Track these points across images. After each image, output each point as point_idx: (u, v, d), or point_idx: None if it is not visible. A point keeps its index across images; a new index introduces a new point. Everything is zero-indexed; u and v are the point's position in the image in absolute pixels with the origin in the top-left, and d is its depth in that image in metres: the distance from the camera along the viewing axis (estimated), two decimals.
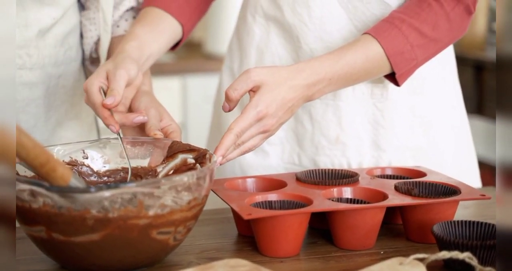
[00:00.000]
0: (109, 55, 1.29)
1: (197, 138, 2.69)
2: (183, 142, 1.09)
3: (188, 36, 1.31)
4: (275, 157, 1.34)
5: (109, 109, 1.05)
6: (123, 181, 1.07)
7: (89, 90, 1.06)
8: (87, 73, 1.37)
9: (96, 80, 1.07)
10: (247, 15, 1.33)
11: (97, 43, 1.30)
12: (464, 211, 1.17)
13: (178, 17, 1.26)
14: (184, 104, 2.70)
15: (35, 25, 1.19)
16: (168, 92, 2.65)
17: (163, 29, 1.24)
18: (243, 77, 1.07)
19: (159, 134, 1.08)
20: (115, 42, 1.28)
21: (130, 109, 1.15)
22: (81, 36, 1.31)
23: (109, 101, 1.04)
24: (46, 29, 1.21)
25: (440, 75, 1.32)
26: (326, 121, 1.30)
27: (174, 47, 1.31)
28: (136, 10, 1.32)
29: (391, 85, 1.27)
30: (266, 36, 1.31)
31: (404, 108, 1.29)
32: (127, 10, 1.31)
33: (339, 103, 1.28)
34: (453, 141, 1.34)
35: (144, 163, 1.09)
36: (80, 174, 1.06)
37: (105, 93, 1.06)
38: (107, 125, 1.05)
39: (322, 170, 1.16)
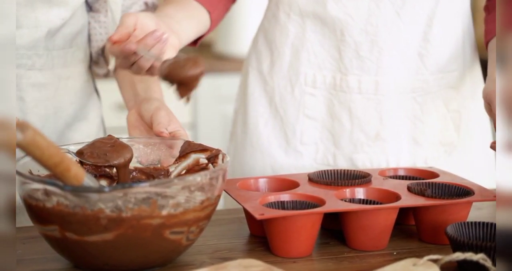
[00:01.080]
0: None
1: (207, 138, 2.69)
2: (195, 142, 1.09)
3: (215, 26, 1.31)
4: (308, 158, 1.34)
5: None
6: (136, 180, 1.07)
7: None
8: (93, 75, 1.37)
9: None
10: (279, 14, 1.33)
11: (105, 46, 1.30)
12: (477, 212, 1.17)
13: (204, 4, 1.26)
14: (194, 105, 2.70)
15: (45, 26, 1.19)
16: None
17: (191, 11, 1.24)
18: None
19: (166, 133, 1.08)
20: None
21: (141, 115, 1.15)
22: (89, 37, 1.31)
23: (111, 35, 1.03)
24: (55, 29, 1.21)
25: (468, 71, 1.34)
26: (366, 117, 1.30)
27: (199, 39, 1.30)
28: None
29: (431, 78, 1.28)
30: (301, 33, 1.31)
31: (440, 102, 1.31)
32: None
33: (381, 98, 1.29)
34: (479, 137, 1.36)
35: (156, 163, 1.09)
36: (93, 173, 1.06)
37: None
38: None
39: (334, 170, 1.15)
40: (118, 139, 1.05)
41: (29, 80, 1.21)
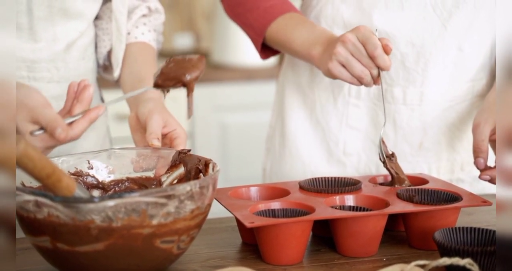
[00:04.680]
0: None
1: (204, 147, 2.70)
2: (190, 151, 1.10)
3: None
4: (350, 168, 1.37)
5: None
6: (128, 191, 1.08)
7: None
8: (99, 82, 1.38)
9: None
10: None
11: (109, 52, 1.32)
12: (467, 218, 1.18)
13: None
14: None
15: (63, 39, 1.21)
16: (175, 102, 2.66)
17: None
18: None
19: (156, 144, 1.09)
20: (127, 49, 1.29)
21: (138, 118, 1.16)
22: (95, 45, 1.33)
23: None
24: (72, 42, 1.23)
25: (494, 80, 1.36)
26: (410, 127, 1.33)
27: None
28: (147, 17, 1.33)
29: (465, 86, 1.31)
30: None
31: (474, 109, 1.33)
32: (138, 18, 1.32)
33: (425, 108, 1.32)
34: None
35: (149, 173, 1.10)
36: (85, 184, 1.07)
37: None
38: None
39: (324, 178, 1.16)
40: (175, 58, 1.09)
41: (48, 93, 1.22)
